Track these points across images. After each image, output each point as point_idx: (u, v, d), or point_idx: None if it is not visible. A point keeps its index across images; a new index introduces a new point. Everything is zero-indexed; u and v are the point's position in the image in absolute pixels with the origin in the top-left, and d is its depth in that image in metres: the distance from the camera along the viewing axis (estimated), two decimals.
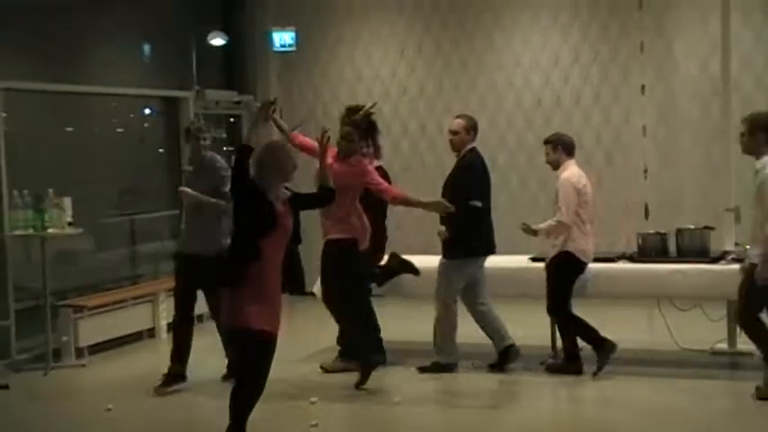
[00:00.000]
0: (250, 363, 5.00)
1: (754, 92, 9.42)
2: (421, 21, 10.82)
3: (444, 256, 7.03)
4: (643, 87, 9.81)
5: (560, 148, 6.94)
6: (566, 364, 6.92)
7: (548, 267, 6.93)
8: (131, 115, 10.11)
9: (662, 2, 9.84)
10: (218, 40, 10.65)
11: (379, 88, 11.00)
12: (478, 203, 6.93)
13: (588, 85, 10.18)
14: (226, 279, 4.99)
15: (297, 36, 10.38)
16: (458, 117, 7.29)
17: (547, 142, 7.04)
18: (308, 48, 10.98)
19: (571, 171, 6.92)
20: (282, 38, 10.41)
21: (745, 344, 7.12)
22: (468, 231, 6.86)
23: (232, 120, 11.45)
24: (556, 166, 6.97)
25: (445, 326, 7.09)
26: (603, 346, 6.76)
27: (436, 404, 6.56)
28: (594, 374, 6.76)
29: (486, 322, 7.16)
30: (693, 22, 9.73)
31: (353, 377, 6.75)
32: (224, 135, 11.37)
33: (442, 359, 7.11)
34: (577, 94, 10.22)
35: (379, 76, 11.00)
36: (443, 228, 6.92)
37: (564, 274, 6.84)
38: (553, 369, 6.96)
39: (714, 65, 8.94)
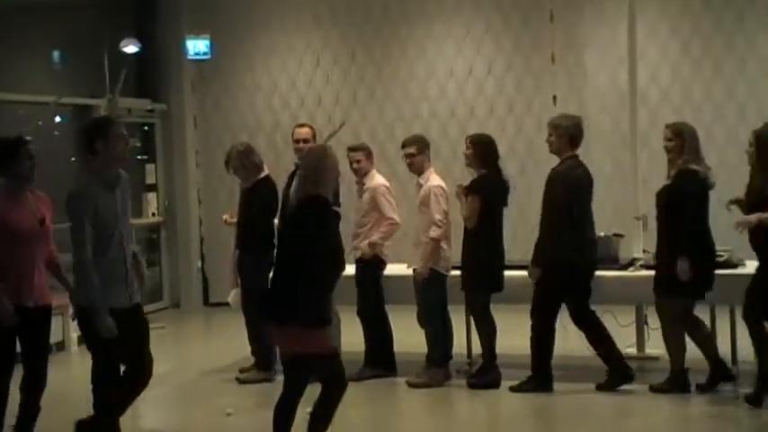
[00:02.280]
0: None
1: (661, 104, 9.71)
2: (337, 31, 10.86)
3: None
4: (555, 98, 10.02)
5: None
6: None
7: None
8: (40, 123, 9.90)
9: (572, 15, 10.07)
10: (131, 48, 10.49)
11: (295, 98, 11.00)
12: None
13: (502, 95, 10.35)
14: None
15: (212, 44, 10.30)
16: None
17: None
18: (224, 56, 10.91)
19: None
20: (197, 46, 10.30)
21: (653, 348, 7.34)
22: None
23: (146, 128, 11.30)
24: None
25: None
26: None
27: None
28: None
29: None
30: (602, 35, 9.98)
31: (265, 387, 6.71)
32: (138, 144, 11.23)
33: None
34: (491, 104, 10.38)
35: (296, 86, 11.00)
36: None
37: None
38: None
39: (623, 77, 9.18)
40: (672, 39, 9.84)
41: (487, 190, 6.76)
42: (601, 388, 6.60)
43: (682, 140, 6.37)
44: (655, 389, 6.49)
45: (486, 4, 10.40)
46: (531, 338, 6.63)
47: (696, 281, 6.24)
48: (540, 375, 6.64)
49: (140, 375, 5.15)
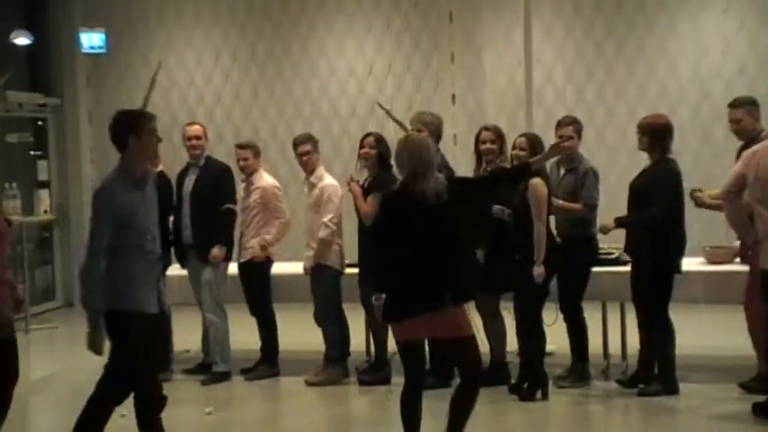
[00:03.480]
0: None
1: (556, 105, 9.93)
2: (236, 27, 10.76)
3: None
4: (454, 97, 10.14)
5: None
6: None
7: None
8: None
9: (470, 16, 10.21)
10: (22, 40, 10.18)
11: (193, 94, 10.86)
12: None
13: (402, 93, 10.42)
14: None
15: (107, 38, 10.07)
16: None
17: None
18: (120, 50, 10.69)
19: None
20: (91, 39, 10.05)
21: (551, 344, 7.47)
22: None
23: (39, 123, 10.99)
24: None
25: None
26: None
27: None
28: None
29: None
30: (500, 36, 10.16)
31: None
32: (30, 139, 10.91)
33: None
34: (391, 102, 10.43)
35: (194, 83, 10.85)
36: None
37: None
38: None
39: (519, 78, 9.35)
40: (566, 41, 10.07)
41: (388, 188, 6.77)
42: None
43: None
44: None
45: (386, 3, 10.47)
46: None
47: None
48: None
49: (151, 394, 4.78)
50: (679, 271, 6.26)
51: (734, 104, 6.43)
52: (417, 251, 4.75)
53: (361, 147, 6.88)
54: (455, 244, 4.79)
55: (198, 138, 7.24)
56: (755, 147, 5.79)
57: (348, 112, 10.57)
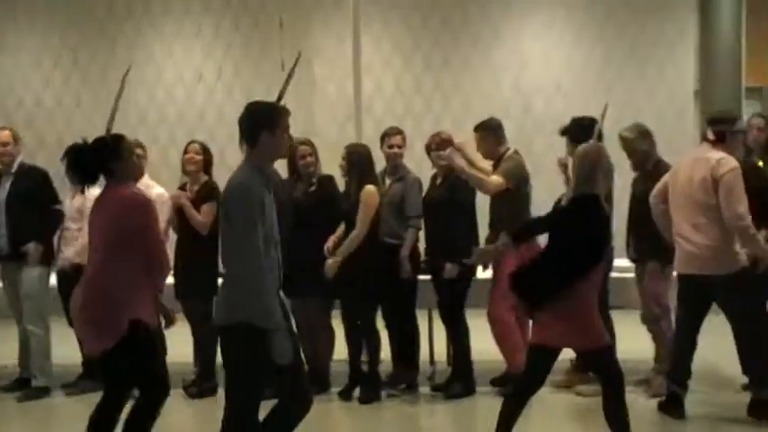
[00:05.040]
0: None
1: (385, 115, 10.09)
2: (56, 32, 10.39)
3: None
4: (284, 104, 10.11)
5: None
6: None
7: None
8: None
9: (301, 25, 10.24)
10: None
11: (12, 101, 10.42)
12: None
13: (231, 100, 10.33)
14: None
15: None
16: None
17: None
18: None
19: None
20: None
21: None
22: None
23: None
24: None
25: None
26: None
27: None
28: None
29: None
30: (330, 46, 10.23)
31: None
32: None
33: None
34: (220, 109, 10.33)
35: (31, 87, 10.41)
36: None
37: None
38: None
39: (349, 87, 9.45)
40: (395, 52, 10.26)
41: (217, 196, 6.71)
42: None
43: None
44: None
45: (216, 7, 10.35)
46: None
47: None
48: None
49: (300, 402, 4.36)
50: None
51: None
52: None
53: (186, 153, 6.82)
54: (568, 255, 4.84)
55: (5, 144, 6.92)
56: (682, 159, 6.06)
57: (176, 119, 10.38)
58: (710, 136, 5.82)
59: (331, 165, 9.45)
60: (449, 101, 10.19)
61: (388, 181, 6.82)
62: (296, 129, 10.57)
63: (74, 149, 4.69)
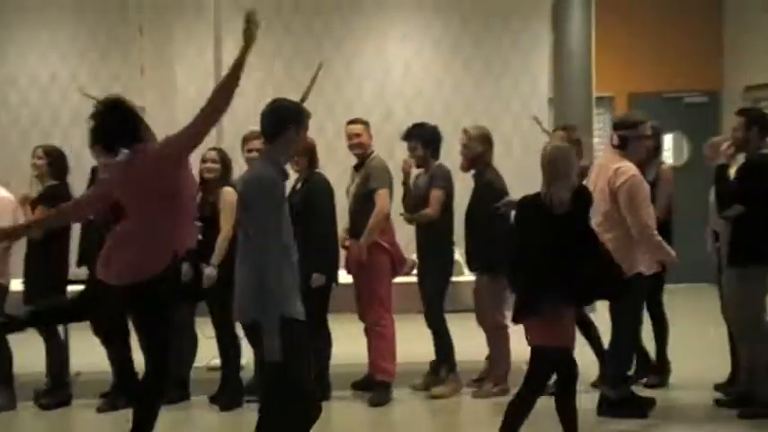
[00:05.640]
0: None
1: (246, 119, 9.96)
2: None
3: None
4: (143, 110, 9.93)
5: None
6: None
7: None
8: None
9: (162, 31, 10.08)
10: None
11: None
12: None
13: (87, 105, 9.96)
14: None
15: None
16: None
17: None
18: None
19: None
20: None
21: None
22: None
23: None
24: None
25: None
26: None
27: None
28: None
29: None
30: (192, 50, 10.11)
31: None
32: None
33: None
34: (76, 113, 10.05)
35: None
36: None
37: None
38: None
39: (210, 91, 9.33)
40: (257, 58, 10.12)
41: (58, 201, 6.53)
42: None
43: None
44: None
45: (69, 10, 10.09)
46: None
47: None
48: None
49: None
50: (336, 283, 6.54)
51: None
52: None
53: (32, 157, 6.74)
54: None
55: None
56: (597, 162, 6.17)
57: (30, 123, 10.05)
58: (614, 141, 5.86)
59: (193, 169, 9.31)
60: (311, 106, 10.18)
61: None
62: (157, 130, 10.44)
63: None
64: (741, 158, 6.16)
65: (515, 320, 4.92)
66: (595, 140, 10.29)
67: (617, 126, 5.97)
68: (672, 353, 6.84)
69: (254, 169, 4.42)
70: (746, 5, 11.91)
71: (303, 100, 6.64)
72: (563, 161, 4.84)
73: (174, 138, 4.86)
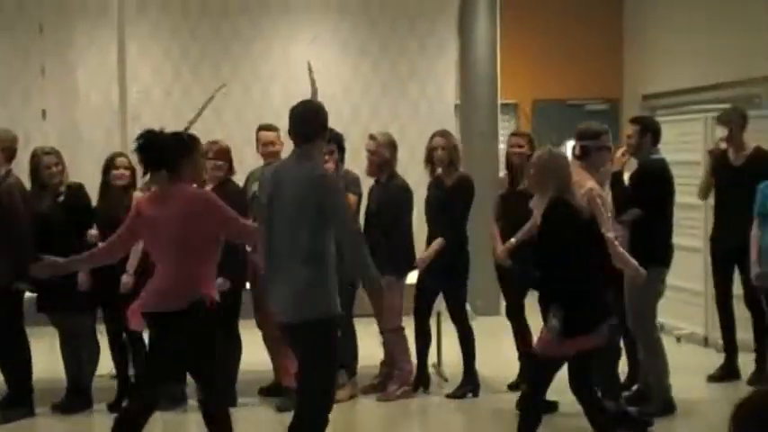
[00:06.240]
0: None
1: (153, 123, 9.84)
2: None
3: None
4: (44, 112, 9.71)
5: None
6: None
7: None
8: None
9: (63, 31, 9.82)
10: None
11: None
12: None
13: None
14: None
15: None
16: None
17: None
18: None
19: None
20: None
21: None
22: None
23: None
24: None
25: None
26: None
27: None
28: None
29: None
30: (94, 52, 9.88)
31: None
32: None
33: None
34: None
35: None
36: None
37: None
38: None
39: (114, 96, 9.20)
40: (165, 62, 10.03)
41: None
42: None
43: None
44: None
45: None
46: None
47: None
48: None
49: None
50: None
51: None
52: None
53: None
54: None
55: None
56: None
57: None
58: (576, 151, 5.89)
59: (93, 168, 9.19)
60: (219, 110, 10.11)
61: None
62: (58, 135, 10.23)
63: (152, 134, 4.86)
64: (634, 164, 6.37)
65: (567, 335, 4.89)
66: (501, 147, 10.42)
67: (580, 136, 5.99)
68: None
69: (307, 167, 4.56)
70: (645, 19, 12.28)
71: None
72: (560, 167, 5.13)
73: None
